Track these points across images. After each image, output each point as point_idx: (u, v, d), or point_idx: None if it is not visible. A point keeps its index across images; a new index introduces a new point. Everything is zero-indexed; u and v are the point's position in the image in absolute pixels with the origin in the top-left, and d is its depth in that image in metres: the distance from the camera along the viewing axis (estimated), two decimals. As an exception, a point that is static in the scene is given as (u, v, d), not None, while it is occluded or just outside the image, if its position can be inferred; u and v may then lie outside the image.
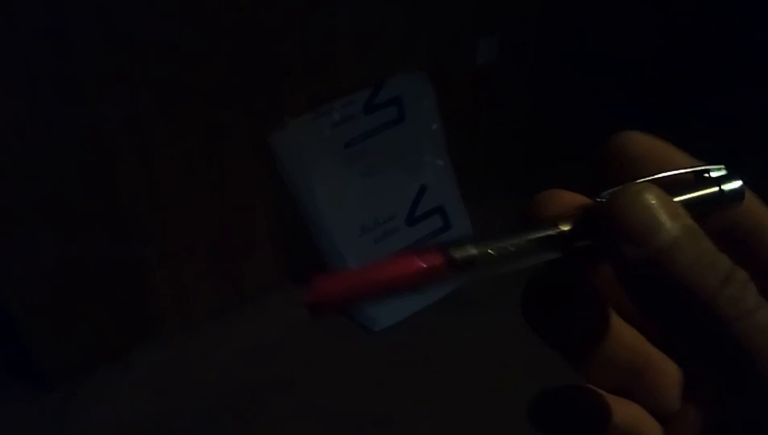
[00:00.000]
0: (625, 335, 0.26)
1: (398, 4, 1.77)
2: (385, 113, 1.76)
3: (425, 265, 0.21)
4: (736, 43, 2.15)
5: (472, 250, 0.22)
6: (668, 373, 0.26)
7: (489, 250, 0.22)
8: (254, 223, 1.75)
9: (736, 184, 0.23)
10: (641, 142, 0.24)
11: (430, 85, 1.81)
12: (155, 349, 1.68)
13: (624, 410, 0.26)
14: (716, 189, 0.23)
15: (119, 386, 1.61)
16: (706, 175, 0.23)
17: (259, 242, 1.79)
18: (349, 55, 1.73)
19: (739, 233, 0.23)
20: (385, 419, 1.54)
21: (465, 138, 1.99)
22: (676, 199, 0.22)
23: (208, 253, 1.71)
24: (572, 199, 0.24)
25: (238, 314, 1.77)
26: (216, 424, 1.54)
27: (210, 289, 1.75)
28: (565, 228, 0.22)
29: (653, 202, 0.20)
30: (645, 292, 0.20)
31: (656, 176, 0.23)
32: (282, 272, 1.85)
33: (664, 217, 0.20)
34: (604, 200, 0.21)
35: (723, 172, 0.23)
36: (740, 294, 0.19)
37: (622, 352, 0.26)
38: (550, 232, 0.22)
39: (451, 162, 1.87)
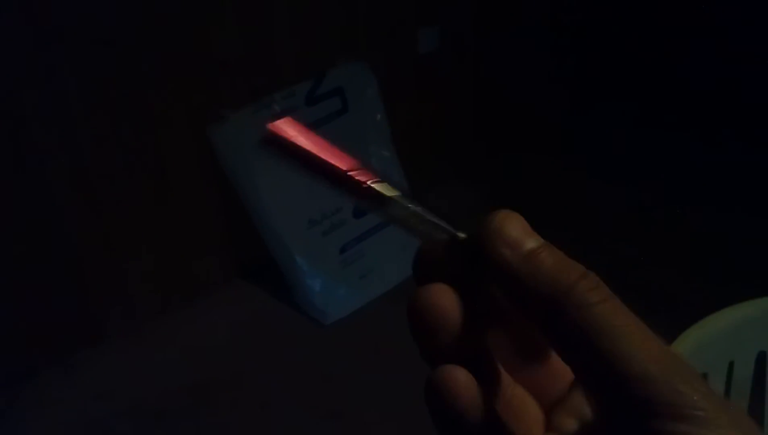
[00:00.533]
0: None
1: (337, -6, 1.75)
2: (327, 104, 1.75)
3: (352, 173, 0.26)
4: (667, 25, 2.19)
5: (391, 194, 0.26)
6: (530, 408, 0.29)
7: (402, 206, 0.27)
8: (198, 219, 1.73)
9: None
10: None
11: (372, 76, 1.80)
12: (100, 351, 1.64)
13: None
14: None
15: (64, 390, 1.57)
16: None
17: (204, 239, 1.76)
18: (289, 45, 1.71)
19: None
20: (337, 413, 1.53)
21: (410, 127, 1.98)
22: None
23: (152, 252, 1.68)
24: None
25: (184, 313, 1.74)
26: (164, 425, 1.51)
27: (155, 288, 1.72)
28: (461, 236, 0.27)
29: (521, 220, 0.26)
30: (519, 289, 0.25)
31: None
32: (228, 269, 1.83)
33: (531, 231, 0.26)
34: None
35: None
36: (597, 285, 0.24)
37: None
38: (450, 231, 0.27)
39: (397, 152, 1.86)
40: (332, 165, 0.26)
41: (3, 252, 1.46)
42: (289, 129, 0.26)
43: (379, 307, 1.77)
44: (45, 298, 1.55)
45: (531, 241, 0.25)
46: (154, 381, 1.58)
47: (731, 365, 0.74)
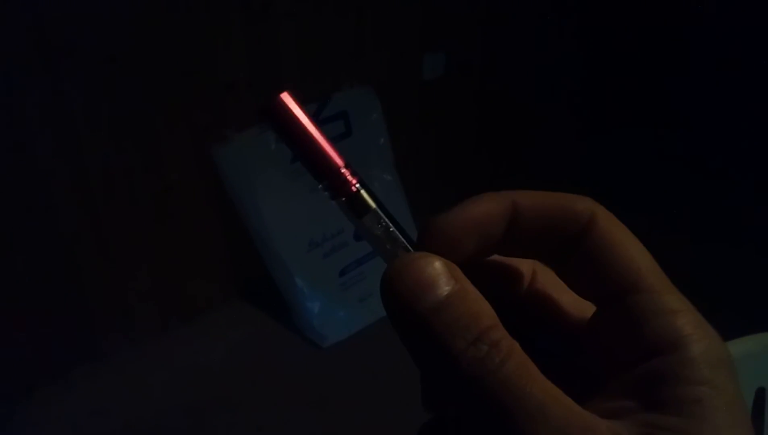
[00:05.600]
0: None
1: (344, 19, 1.77)
2: (331, 127, 1.76)
3: (340, 167, 0.25)
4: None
5: (372, 206, 0.25)
6: None
7: (380, 222, 0.25)
8: (199, 239, 1.73)
9: None
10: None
11: (377, 100, 1.81)
12: (97, 369, 1.63)
13: None
14: None
15: (60, 407, 1.56)
16: None
17: (204, 259, 1.76)
18: (295, 68, 1.72)
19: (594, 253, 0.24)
20: (333, 437, 1.52)
21: (413, 152, 1.99)
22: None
23: (152, 271, 1.68)
24: (459, 231, 0.26)
25: (183, 332, 1.74)
26: (159, 446, 1.50)
27: (154, 308, 1.72)
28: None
29: (424, 269, 0.23)
30: (412, 347, 0.23)
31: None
32: (228, 289, 1.83)
33: (430, 285, 0.22)
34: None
35: None
36: (485, 354, 0.21)
37: None
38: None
39: (400, 176, 1.87)
40: (326, 155, 0.25)
41: (4, 268, 1.46)
42: (293, 105, 0.24)
43: (377, 330, 1.76)
44: (44, 314, 1.55)
45: (426, 298, 0.22)
46: (151, 400, 1.58)
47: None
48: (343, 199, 0.25)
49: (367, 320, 1.77)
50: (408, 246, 0.25)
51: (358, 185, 0.25)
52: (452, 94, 2.05)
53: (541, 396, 0.21)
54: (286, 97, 0.24)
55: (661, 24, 2.15)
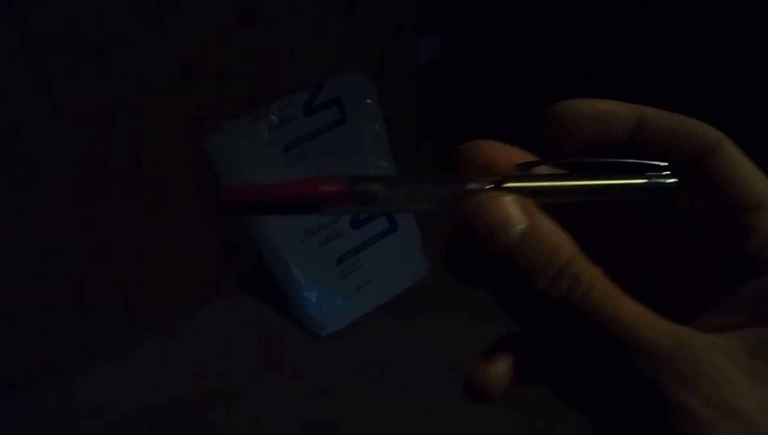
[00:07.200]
0: None
1: (336, 4, 1.74)
2: (325, 114, 1.74)
3: (327, 189, 0.23)
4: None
5: (376, 187, 0.23)
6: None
7: (392, 193, 0.24)
8: (194, 230, 1.71)
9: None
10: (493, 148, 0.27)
11: (371, 86, 1.78)
12: (94, 362, 1.63)
13: None
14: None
15: (57, 401, 1.56)
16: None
17: (200, 249, 1.75)
18: (287, 55, 1.70)
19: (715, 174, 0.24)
20: (332, 427, 1.51)
21: (409, 138, 1.97)
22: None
23: (148, 263, 1.67)
24: (501, 154, 0.28)
25: (180, 323, 1.73)
26: (158, 438, 1.50)
27: (150, 299, 1.71)
28: (472, 187, 0.24)
29: (495, 210, 0.23)
30: (494, 289, 0.23)
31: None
32: (224, 279, 1.82)
33: (502, 227, 0.22)
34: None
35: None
36: (567, 289, 0.21)
37: None
38: (456, 191, 0.24)
39: (396, 163, 1.85)
40: (302, 194, 0.23)
41: (-3, 261, 1.45)
42: (242, 191, 0.23)
43: (376, 319, 1.75)
44: (40, 308, 1.54)
45: (508, 231, 0.22)
46: (149, 393, 1.57)
47: None
48: (346, 205, 0.23)
49: (365, 309, 1.76)
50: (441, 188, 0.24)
51: (345, 186, 0.23)
52: (448, 77, 2.03)
53: (629, 320, 0.21)
54: (233, 190, 0.23)
55: (664, 10, 2.13)
